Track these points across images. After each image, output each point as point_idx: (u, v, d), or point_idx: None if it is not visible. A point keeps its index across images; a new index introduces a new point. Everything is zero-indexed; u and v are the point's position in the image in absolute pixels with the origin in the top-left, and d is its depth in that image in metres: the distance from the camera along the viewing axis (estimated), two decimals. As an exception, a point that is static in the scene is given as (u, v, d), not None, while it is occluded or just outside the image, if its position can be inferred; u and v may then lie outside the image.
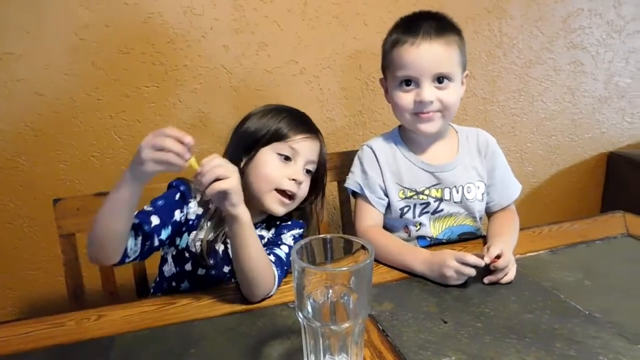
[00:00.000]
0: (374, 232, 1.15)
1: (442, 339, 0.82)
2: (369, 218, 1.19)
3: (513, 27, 1.87)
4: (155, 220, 0.97)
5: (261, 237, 1.11)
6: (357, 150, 1.28)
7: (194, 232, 1.07)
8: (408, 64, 1.10)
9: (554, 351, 0.77)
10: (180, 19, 1.50)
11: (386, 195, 1.20)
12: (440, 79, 1.10)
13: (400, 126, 1.25)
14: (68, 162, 1.51)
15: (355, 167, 1.24)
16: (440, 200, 1.19)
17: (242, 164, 1.07)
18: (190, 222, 1.07)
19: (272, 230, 1.14)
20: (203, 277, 1.08)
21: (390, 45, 1.16)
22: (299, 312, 0.67)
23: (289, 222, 1.15)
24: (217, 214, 1.06)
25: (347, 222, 1.46)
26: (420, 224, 1.20)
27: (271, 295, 0.97)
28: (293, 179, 1.05)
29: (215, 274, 1.08)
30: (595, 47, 2.01)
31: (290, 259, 0.65)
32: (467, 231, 1.23)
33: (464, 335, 0.82)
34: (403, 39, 1.11)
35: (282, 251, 1.05)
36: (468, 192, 1.20)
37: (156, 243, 0.98)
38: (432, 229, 1.21)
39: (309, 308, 0.66)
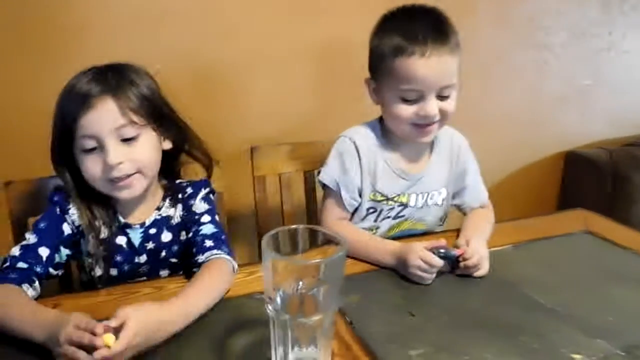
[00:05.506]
0: (341, 226, 1.14)
1: (409, 331, 0.82)
2: (338, 212, 1.16)
3: (478, 24, 1.88)
4: (44, 252, 0.92)
5: (169, 217, 1.04)
6: (326, 141, 1.24)
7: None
8: (417, 79, 1.02)
9: (518, 344, 0.79)
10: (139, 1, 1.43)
11: (360, 195, 1.16)
12: (443, 89, 1.05)
13: (381, 120, 1.18)
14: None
15: (334, 160, 1.16)
16: (405, 206, 1.18)
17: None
18: (81, 228, 0.98)
19: (180, 207, 1.05)
20: (119, 277, 1.02)
21: (391, 52, 1.04)
22: (268, 305, 0.66)
23: (189, 190, 1.06)
24: (94, 223, 0.98)
25: (313, 213, 1.44)
26: (377, 228, 1.20)
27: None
28: (109, 166, 0.90)
29: (129, 269, 1.02)
30: (558, 48, 2.06)
31: (261, 249, 0.63)
32: (416, 234, 1.21)
33: (430, 328, 0.83)
34: (410, 49, 1.01)
35: (209, 226, 1.00)
36: (430, 199, 1.20)
37: (54, 272, 0.94)
38: (387, 231, 1.21)
39: (278, 300, 0.65)
